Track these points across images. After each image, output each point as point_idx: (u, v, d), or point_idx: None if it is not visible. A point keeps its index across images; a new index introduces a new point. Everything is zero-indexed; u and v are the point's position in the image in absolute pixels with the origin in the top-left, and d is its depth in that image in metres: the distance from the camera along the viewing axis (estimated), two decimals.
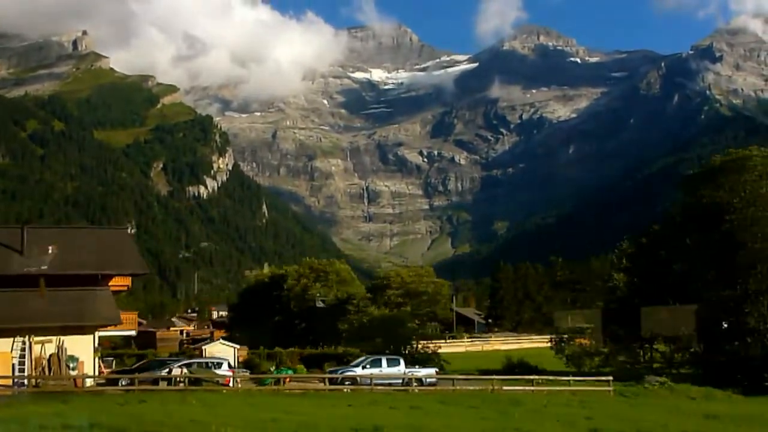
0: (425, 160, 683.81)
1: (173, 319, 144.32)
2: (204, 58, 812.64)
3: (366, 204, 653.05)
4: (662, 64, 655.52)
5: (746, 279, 48.86)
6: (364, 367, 49.74)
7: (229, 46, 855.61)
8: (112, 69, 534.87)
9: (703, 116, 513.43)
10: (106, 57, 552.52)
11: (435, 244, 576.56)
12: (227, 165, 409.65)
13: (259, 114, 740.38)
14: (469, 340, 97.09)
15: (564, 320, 67.34)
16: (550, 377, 46.93)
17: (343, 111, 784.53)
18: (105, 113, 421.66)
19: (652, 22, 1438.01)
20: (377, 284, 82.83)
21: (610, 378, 45.12)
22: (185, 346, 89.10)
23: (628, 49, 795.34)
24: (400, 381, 46.42)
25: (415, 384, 45.72)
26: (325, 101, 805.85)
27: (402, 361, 51.72)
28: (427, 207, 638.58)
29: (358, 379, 46.44)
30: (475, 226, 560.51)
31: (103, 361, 49.88)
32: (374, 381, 44.89)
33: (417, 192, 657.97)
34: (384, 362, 50.89)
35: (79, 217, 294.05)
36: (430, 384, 47.32)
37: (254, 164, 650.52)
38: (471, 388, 43.08)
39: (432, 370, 52.75)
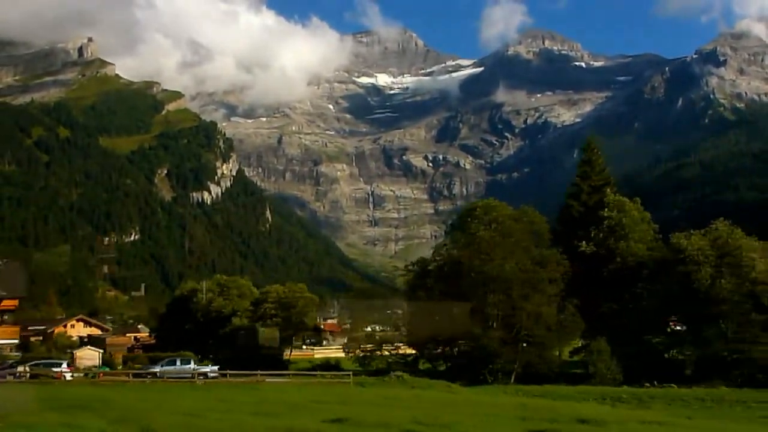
0: (430, 164, 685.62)
1: (140, 326, 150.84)
2: (210, 64, 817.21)
3: (371, 208, 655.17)
4: (666, 69, 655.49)
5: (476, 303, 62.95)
6: (162, 366, 64.81)
7: (234, 52, 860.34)
8: (117, 76, 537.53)
9: (707, 120, 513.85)
10: (112, 64, 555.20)
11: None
12: (231, 171, 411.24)
13: (264, 119, 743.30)
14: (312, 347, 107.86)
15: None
16: (314, 372, 65.47)
17: (348, 116, 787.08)
18: (110, 120, 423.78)
19: (656, 26, 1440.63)
20: (259, 299, 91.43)
21: (350, 372, 63.40)
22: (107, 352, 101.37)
23: (632, 53, 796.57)
24: (191, 375, 61.92)
25: (200, 377, 61.34)
26: (331, 106, 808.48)
27: (192, 361, 67.76)
28: (432, 211, 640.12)
29: (158, 373, 62.16)
30: None
31: None
32: (168, 375, 61.56)
33: (422, 196, 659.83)
34: (179, 362, 66.65)
35: (84, 223, 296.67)
36: (214, 377, 62.55)
37: (260, 169, 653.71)
38: (242, 380, 59.02)
39: (215, 368, 66.25)
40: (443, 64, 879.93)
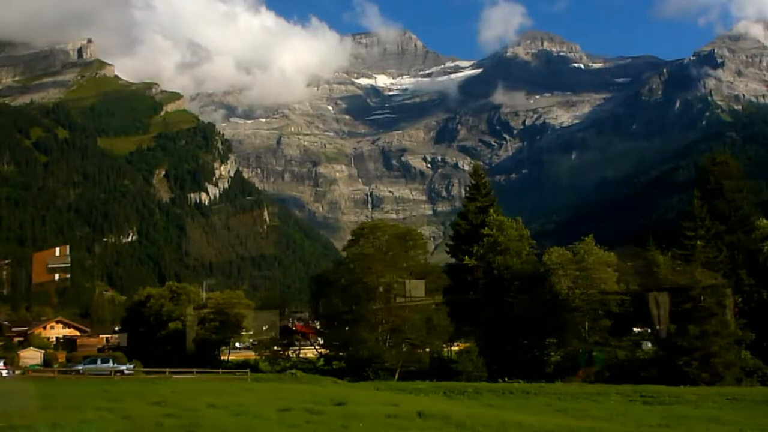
0: (429, 165, 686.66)
1: (117, 327, 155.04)
2: (209, 64, 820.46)
3: (370, 209, 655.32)
4: (664, 70, 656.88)
5: (361, 310, 71.64)
6: (84, 364, 73.93)
7: (233, 53, 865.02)
8: (116, 77, 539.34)
9: (704, 122, 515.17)
10: (111, 65, 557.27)
11: (438, 250, 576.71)
12: (229, 172, 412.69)
13: (263, 120, 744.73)
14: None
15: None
16: (217, 370, 73.19)
17: (347, 117, 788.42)
18: (109, 121, 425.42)
19: (654, 28, 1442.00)
20: (200, 304, 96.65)
21: (247, 370, 70.78)
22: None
23: (631, 55, 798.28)
24: (109, 372, 68.52)
25: (117, 374, 68.08)
26: (330, 107, 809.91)
27: (111, 360, 76.19)
28: (430, 212, 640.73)
29: (80, 370, 70.16)
30: None
31: None
32: (89, 372, 69.05)
33: (421, 197, 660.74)
34: (99, 361, 75.58)
35: (82, 224, 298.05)
36: (129, 374, 70.08)
37: (259, 170, 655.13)
38: (151, 376, 67.09)
39: (131, 366, 74.44)
40: (442, 66, 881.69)
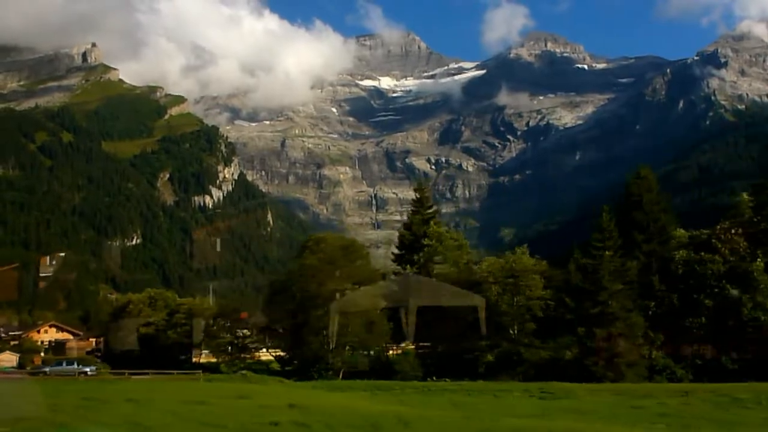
0: (433, 167, 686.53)
1: None
2: (213, 68, 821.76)
3: (374, 211, 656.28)
4: (668, 70, 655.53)
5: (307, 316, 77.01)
6: (52, 366, 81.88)
7: (238, 56, 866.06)
8: (121, 80, 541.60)
9: (707, 122, 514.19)
10: (116, 69, 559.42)
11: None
12: (233, 175, 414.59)
13: (268, 122, 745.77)
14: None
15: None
16: (172, 371, 77.02)
17: (351, 119, 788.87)
18: (113, 125, 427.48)
19: (657, 28, 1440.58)
20: (174, 310, 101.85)
21: (200, 371, 76.70)
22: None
23: (634, 55, 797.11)
24: (74, 373, 76.46)
25: (81, 375, 76.40)
26: (334, 109, 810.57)
27: (76, 362, 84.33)
28: None
29: (47, 372, 77.46)
30: (482, 233, 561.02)
31: None
32: (56, 373, 75.10)
33: None
34: (64, 363, 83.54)
35: (86, 227, 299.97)
36: (92, 374, 77.53)
37: (263, 172, 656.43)
38: (112, 377, 72.88)
39: (94, 367, 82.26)
40: (446, 67, 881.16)
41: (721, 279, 66.42)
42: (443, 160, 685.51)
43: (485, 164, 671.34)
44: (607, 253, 68.16)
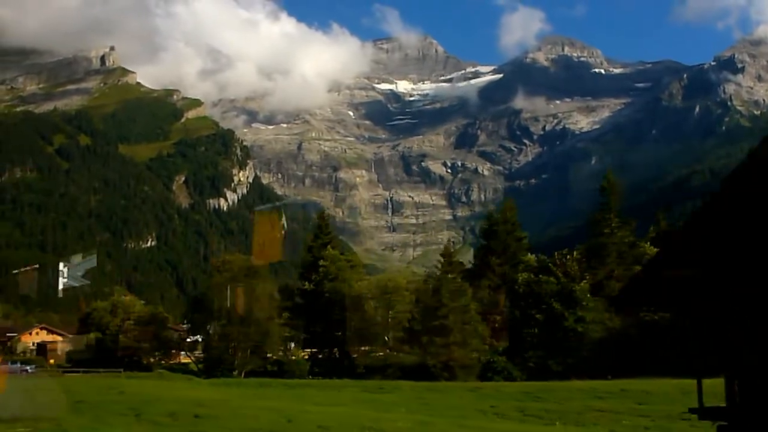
0: (449, 171, 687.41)
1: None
2: (230, 71, 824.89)
3: (390, 214, 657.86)
4: (685, 75, 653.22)
5: (215, 325, 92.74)
6: (5, 364, 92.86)
7: (255, 59, 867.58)
8: (138, 84, 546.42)
9: (723, 128, 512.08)
10: (133, 72, 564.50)
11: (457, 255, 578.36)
12: (248, 178, 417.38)
13: (285, 125, 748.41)
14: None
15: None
16: (99, 369, 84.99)
17: (367, 122, 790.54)
18: (130, 128, 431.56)
19: (674, 31, 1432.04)
20: (125, 317, 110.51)
21: (122, 369, 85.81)
22: None
23: (651, 59, 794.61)
24: (18, 371, 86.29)
25: (23, 372, 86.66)
26: (350, 113, 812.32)
27: (19, 363, 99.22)
28: (450, 217, 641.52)
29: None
30: None
31: None
32: (5, 371, 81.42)
33: (440, 202, 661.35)
34: (19, 363, 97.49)
35: (102, 230, 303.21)
36: (31, 372, 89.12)
37: (279, 175, 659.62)
38: (46, 373, 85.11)
39: (33, 366, 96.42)
40: (463, 71, 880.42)
41: (551, 297, 77.17)
42: (459, 163, 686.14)
43: (501, 168, 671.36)
44: (449, 276, 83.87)
